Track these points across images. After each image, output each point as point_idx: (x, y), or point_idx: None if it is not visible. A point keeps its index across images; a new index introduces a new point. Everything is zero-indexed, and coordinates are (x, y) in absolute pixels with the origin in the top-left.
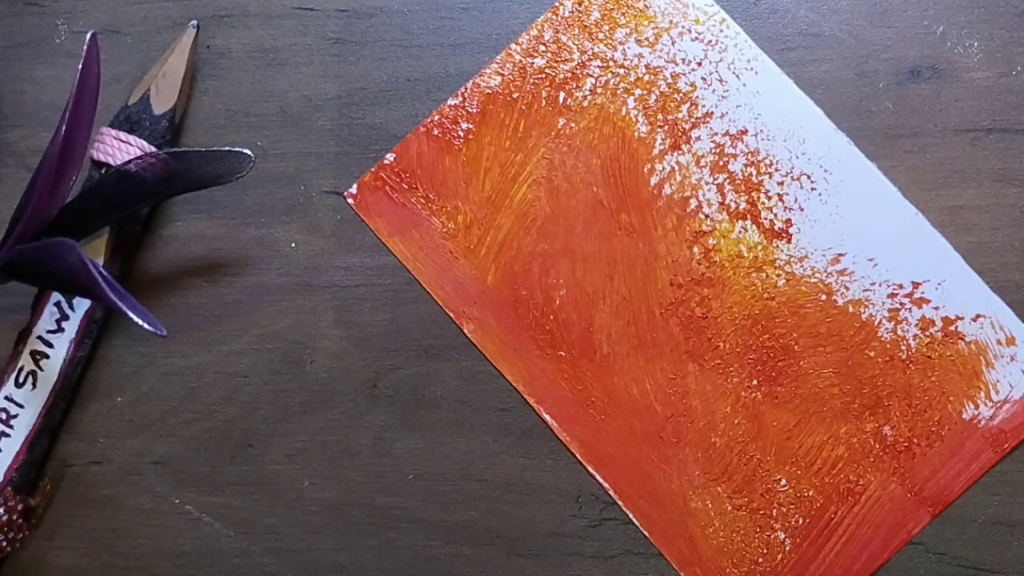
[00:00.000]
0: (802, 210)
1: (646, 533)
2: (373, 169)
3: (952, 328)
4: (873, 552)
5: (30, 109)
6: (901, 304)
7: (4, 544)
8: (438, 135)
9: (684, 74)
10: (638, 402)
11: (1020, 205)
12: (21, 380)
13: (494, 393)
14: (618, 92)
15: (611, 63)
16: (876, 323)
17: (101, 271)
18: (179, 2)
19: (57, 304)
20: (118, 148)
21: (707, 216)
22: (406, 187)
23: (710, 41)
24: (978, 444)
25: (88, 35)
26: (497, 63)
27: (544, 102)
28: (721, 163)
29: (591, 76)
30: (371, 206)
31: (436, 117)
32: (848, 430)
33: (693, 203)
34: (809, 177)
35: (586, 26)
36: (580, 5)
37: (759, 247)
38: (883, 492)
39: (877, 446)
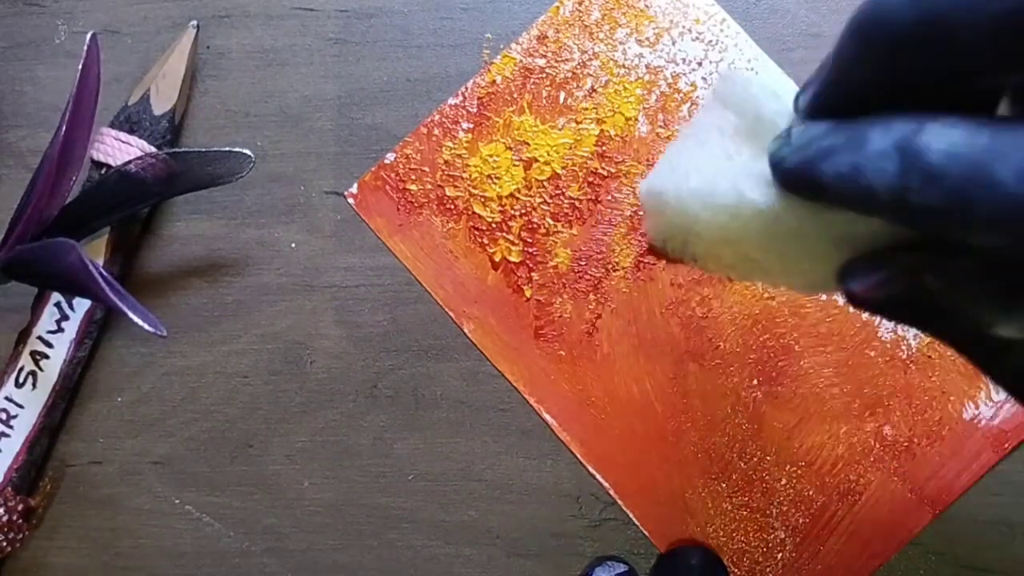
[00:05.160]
0: None
1: (646, 533)
2: (374, 168)
3: None
4: (873, 551)
5: (30, 109)
6: None
7: (4, 544)
8: (438, 135)
9: (684, 74)
10: (638, 402)
11: None
12: (21, 380)
13: (494, 393)
14: (618, 92)
15: (611, 63)
16: (876, 323)
17: (101, 271)
18: (179, 2)
19: (57, 304)
20: (118, 148)
21: None
22: (406, 187)
23: (710, 41)
24: (979, 444)
25: (88, 35)
26: (497, 63)
27: (544, 102)
28: None
29: (591, 76)
30: (372, 206)
31: (436, 117)
32: (848, 430)
33: None
34: None
35: (586, 26)
36: (581, 5)
37: None
38: (883, 492)
39: (877, 446)
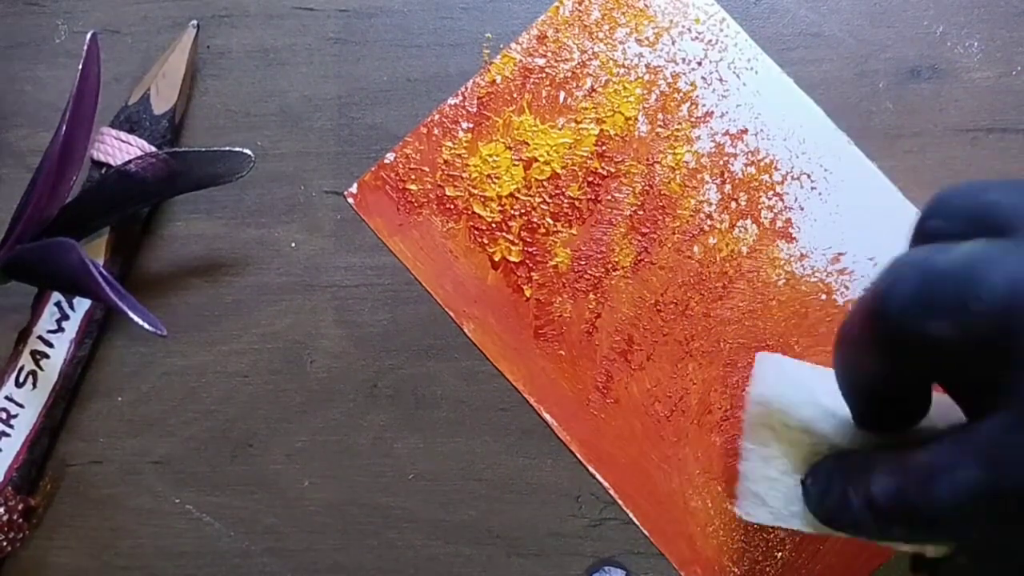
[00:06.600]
0: (802, 209)
1: (646, 533)
2: (374, 168)
3: None
4: (874, 551)
5: (30, 109)
6: None
7: (4, 544)
8: (438, 135)
9: (684, 73)
10: (638, 402)
11: None
12: (21, 380)
13: (494, 393)
14: (618, 91)
15: (611, 62)
16: None
17: (101, 271)
18: (179, 2)
19: (57, 304)
20: (118, 148)
21: (707, 215)
22: (406, 186)
23: (710, 40)
24: None
25: (88, 35)
26: (497, 63)
27: (544, 102)
28: (721, 162)
29: (591, 75)
30: (371, 205)
31: (436, 117)
32: None
33: (693, 202)
34: (809, 176)
35: (586, 26)
36: (580, 5)
37: (759, 246)
38: None
39: None
